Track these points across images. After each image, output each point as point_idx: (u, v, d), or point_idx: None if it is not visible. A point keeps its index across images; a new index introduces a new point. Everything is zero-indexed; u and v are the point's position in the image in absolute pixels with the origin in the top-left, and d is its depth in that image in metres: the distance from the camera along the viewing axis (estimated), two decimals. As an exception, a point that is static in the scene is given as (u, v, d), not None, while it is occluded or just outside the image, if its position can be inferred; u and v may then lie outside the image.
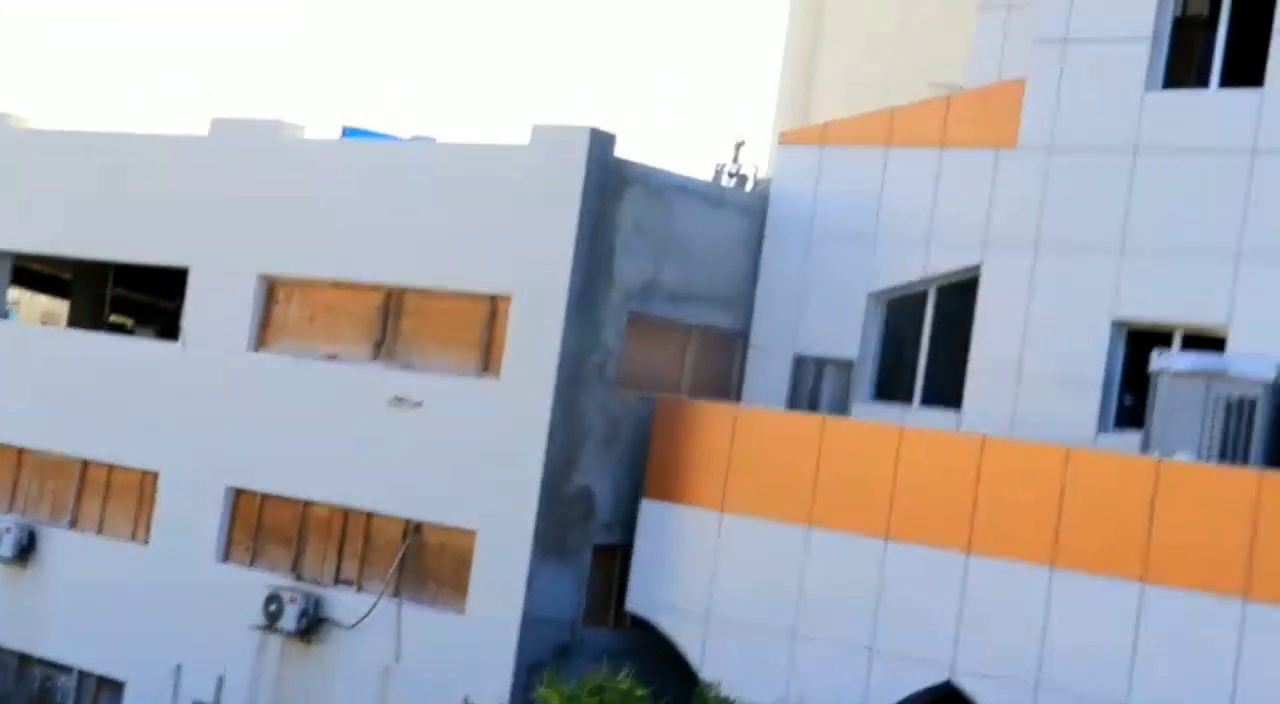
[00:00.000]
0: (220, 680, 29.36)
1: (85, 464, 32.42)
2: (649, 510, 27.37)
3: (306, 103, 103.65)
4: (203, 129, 32.25)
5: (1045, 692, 23.61)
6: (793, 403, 28.90)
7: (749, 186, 30.56)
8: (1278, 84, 25.53)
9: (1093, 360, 26.55)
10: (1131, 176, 26.26)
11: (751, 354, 29.48)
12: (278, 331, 30.25)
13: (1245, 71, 26.11)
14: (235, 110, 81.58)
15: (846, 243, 28.77)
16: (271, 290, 30.27)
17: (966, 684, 24.24)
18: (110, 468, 32.08)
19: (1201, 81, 26.81)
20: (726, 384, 29.39)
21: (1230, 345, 25.18)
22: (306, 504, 29.30)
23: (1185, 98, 26.74)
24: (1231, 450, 23.60)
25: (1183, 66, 26.88)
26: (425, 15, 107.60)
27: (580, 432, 26.81)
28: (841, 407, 28.74)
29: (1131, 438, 25.46)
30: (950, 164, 28.14)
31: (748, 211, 29.51)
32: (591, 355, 26.80)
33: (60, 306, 38.97)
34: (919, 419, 27.66)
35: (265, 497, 29.83)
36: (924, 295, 28.51)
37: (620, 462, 27.50)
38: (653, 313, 27.92)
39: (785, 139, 30.45)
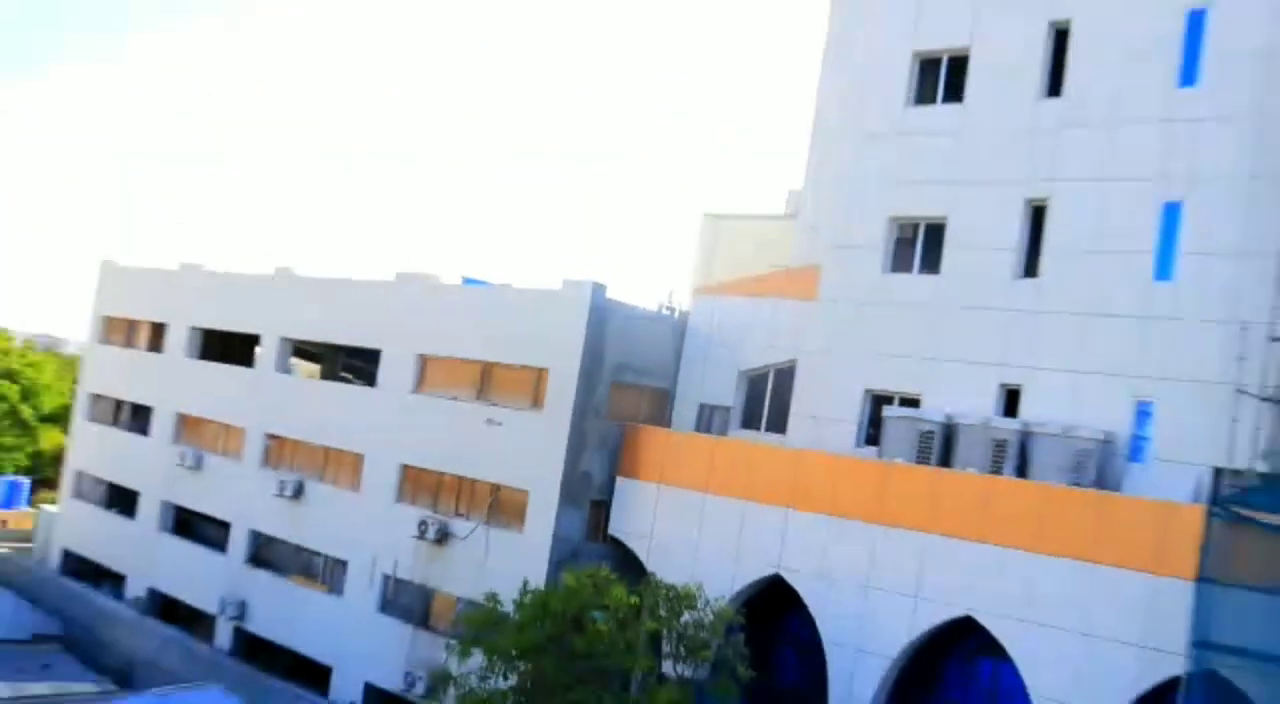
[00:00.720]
0: (396, 562, 30.49)
1: (327, 449, 33.73)
2: (621, 483, 28.40)
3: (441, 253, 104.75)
4: (390, 277, 33.36)
5: (829, 581, 24.70)
6: (698, 429, 29.49)
7: (676, 314, 31.23)
8: (950, 273, 26.17)
9: (854, 410, 26.98)
10: (875, 316, 26.75)
11: (676, 403, 30.10)
12: (428, 383, 31.35)
13: (932, 263, 26.60)
14: (405, 262, 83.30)
15: (726, 346, 29.44)
16: (424, 363, 31.50)
17: (786, 576, 25.19)
18: (341, 452, 33.22)
19: (907, 269, 26.89)
20: (662, 419, 29.93)
21: (923, 403, 25.71)
22: (440, 474, 30.41)
23: (899, 279, 26.79)
24: (922, 459, 24.56)
25: (900, 261, 27.14)
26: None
27: (584, 441, 27.90)
28: (723, 431, 29.21)
29: (872, 451, 26.11)
30: (784, 307, 28.55)
31: (676, 327, 30.34)
32: (591, 401, 27.93)
33: (316, 368, 40.38)
34: (764, 439, 28.21)
35: (420, 469, 30.93)
36: (768, 373, 28.92)
37: (606, 457, 28.37)
38: (625, 380, 28.86)
39: (697, 292, 31.11)
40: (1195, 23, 23.70)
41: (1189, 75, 23.67)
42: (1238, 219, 22.39)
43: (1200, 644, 19.21)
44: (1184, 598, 19.78)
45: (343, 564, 32.48)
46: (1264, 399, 21.09)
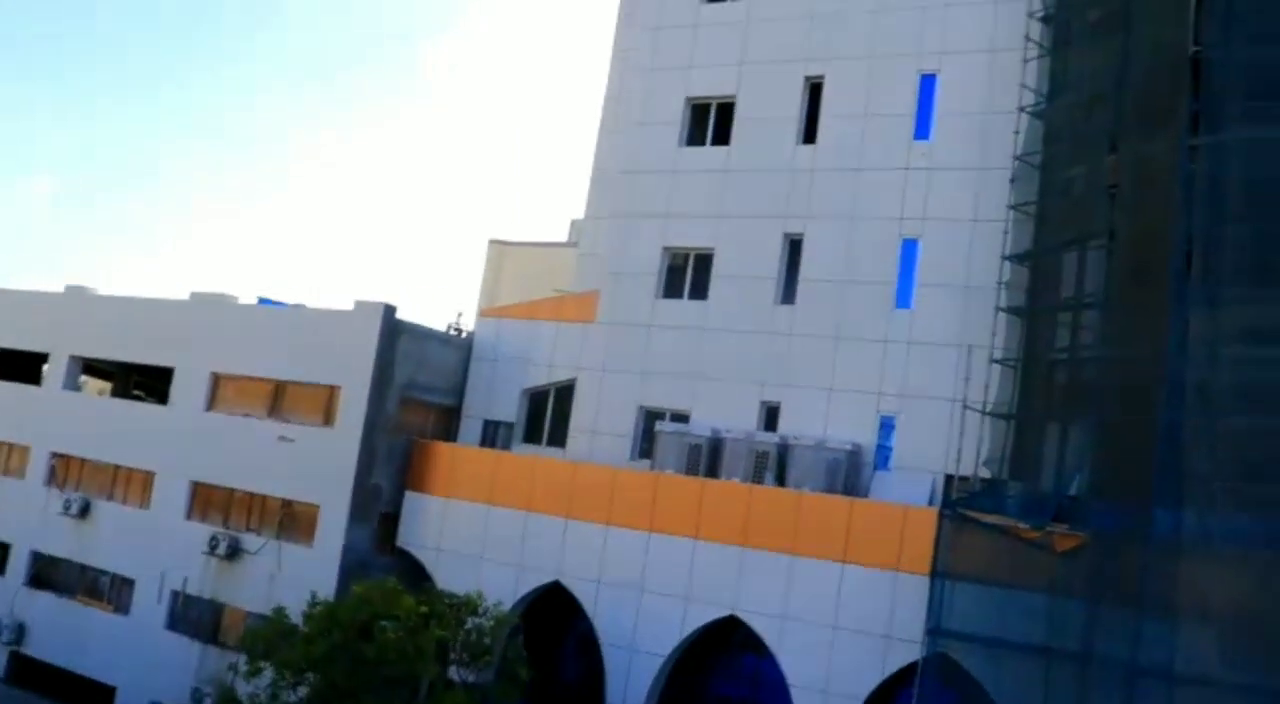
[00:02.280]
0: (185, 579, 29.33)
1: (116, 467, 32.15)
2: (409, 497, 28.04)
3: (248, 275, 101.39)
4: (186, 296, 32.35)
5: (605, 586, 25.01)
6: (483, 444, 29.46)
7: (464, 335, 31.25)
8: (717, 300, 27.04)
9: (629, 425, 27.44)
10: (649, 338, 27.45)
11: (463, 419, 29.99)
12: (221, 401, 30.41)
13: (700, 290, 27.35)
14: (203, 283, 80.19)
15: (511, 364, 29.57)
16: (217, 381, 30.51)
17: (566, 582, 25.33)
18: (131, 469, 31.77)
19: (678, 295, 27.64)
20: (449, 434, 29.77)
21: (692, 419, 26.31)
22: (232, 490, 29.47)
23: (671, 304, 27.52)
24: (691, 470, 25.07)
25: (672, 288, 27.81)
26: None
27: (374, 456, 27.53)
28: (507, 446, 29.33)
29: (645, 463, 26.43)
30: (565, 329, 28.93)
31: (463, 347, 30.27)
32: (381, 418, 27.63)
33: (107, 386, 38.49)
34: (545, 453, 28.32)
35: (211, 486, 29.88)
36: (548, 391, 29.20)
37: (395, 471, 28.04)
38: (414, 397, 28.67)
39: (482, 314, 31.21)
40: (928, 85, 25.54)
41: (923, 130, 25.42)
42: (964, 256, 24.03)
43: (934, 631, 20.36)
44: (921, 591, 20.97)
45: (130, 583, 30.92)
46: (986, 414, 22.58)
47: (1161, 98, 19.73)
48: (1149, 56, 20.43)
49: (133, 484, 31.80)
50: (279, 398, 29.29)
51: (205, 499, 30.15)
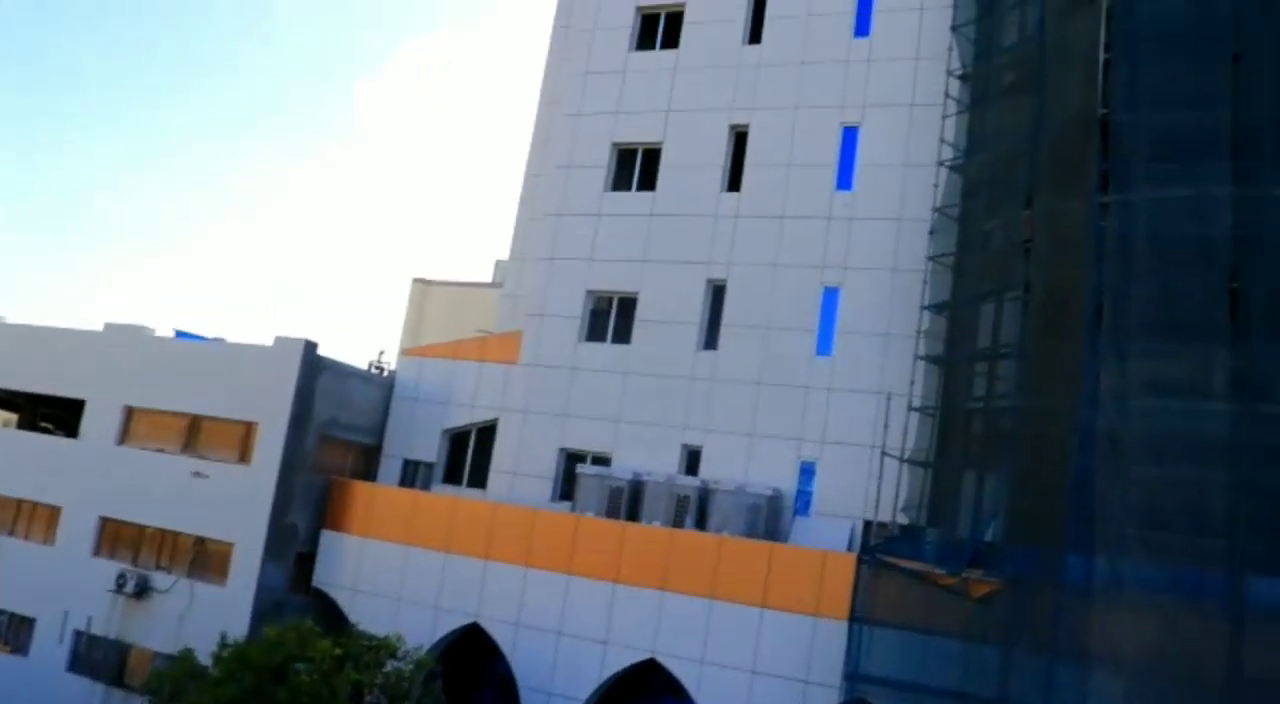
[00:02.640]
0: (90, 618, 28.38)
1: (20, 502, 30.99)
2: (326, 536, 27.48)
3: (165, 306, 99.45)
4: (99, 327, 31.51)
5: (524, 628, 24.66)
6: (403, 484, 29.02)
7: (386, 373, 30.96)
8: (639, 343, 27.01)
9: (550, 467, 27.28)
10: (570, 381, 27.36)
11: (383, 459, 29.55)
12: (133, 435, 29.49)
13: (623, 334, 27.43)
14: (119, 314, 78.16)
15: (432, 405, 29.23)
16: (130, 414, 29.61)
17: (484, 625, 24.92)
18: (36, 504, 30.64)
19: (602, 338, 27.60)
20: (369, 473, 29.35)
21: (613, 463, 26.34)
22: (143, 527, 28.56)
23: (594, 347, 27.46)
24: (612, 513, 24.89)
25: (595, 330, 27.76)
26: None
27: (291, 494, 26.95)
28: (426, 486, 28.92)
29: (566, 506, 26.20)
30: (487, 370, 28.72)
31: (384, 385, 29.90)
32: (300, 455, 27.08)
33: (13, 417, 37.26)
34: (466, 494, 28.01)
35: (121, 522, 28.95)
36: (470, 431, 28.95)
37: (312, 510, 27.48)
38: (334, 435, 28.18)
39: (405, 352, 30.79)
40: (850, 137, 26.03)
41: (845, 180, 25.87)
42: (885, 305, 24.40)
43: (852, 677, 20.47)
44: (839, 636, 21.03)
45: (29, 622, 29.66)
46: (904, 461, 22.83)
47: (1073, 157, 20.31)
48: (1060, 118, 21.04)
49: (37, 519, 30.67)
50: (194, 433, 28.56)
51: (114, 536, 29.18)
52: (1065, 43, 21.33)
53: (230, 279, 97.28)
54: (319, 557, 27.61)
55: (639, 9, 29.38)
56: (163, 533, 28.39)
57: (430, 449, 29.36)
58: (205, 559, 27.62)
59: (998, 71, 23.87)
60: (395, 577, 26.43)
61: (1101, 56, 19.54)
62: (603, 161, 28.65)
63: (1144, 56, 19.42)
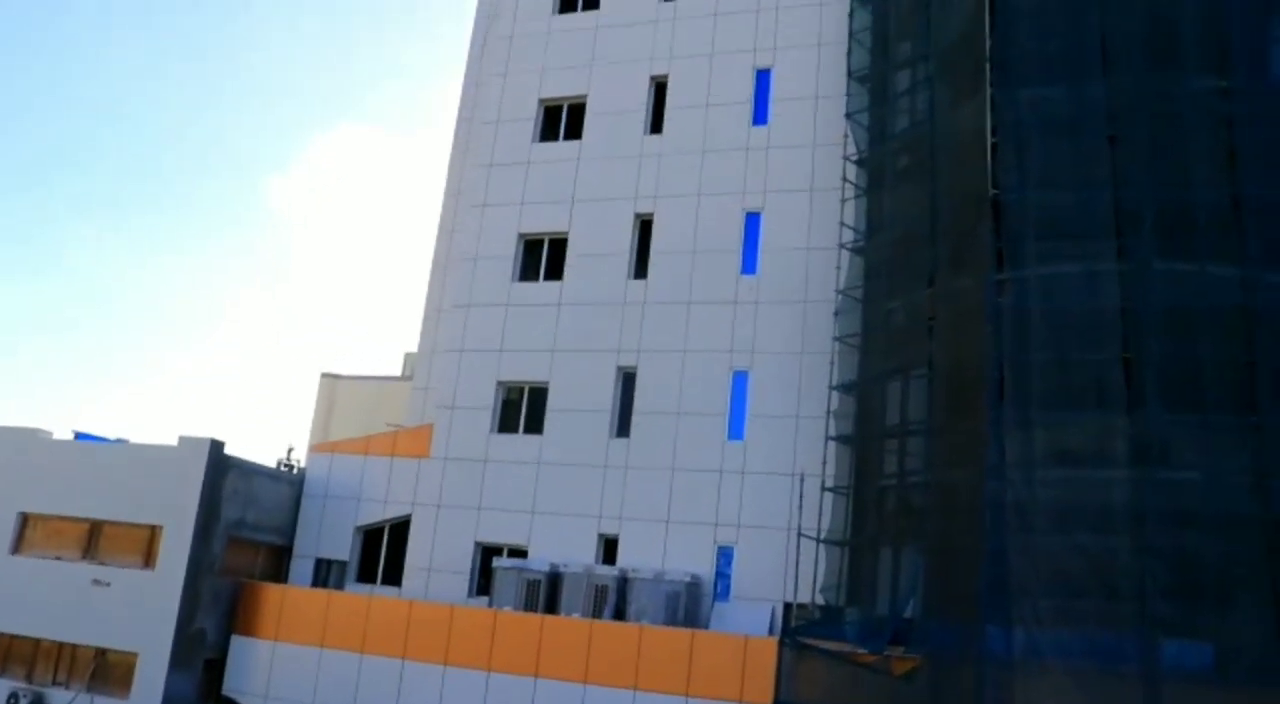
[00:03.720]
0: None
1: None
2: (236, 641, 26.63)
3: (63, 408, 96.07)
4: None
5: None
6: (315, 584, 28.32)
7: (294, 470, 30.27)
8: (552, 433, 27.06)
9: (465, 561, 26.82)
10: (483, 473, 27.13)
11: (294, 559, 28.83)
12: (28, 543, 28.13)
13: (535, 424, 27.39)
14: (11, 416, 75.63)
15: (343, 502, 28.67)
16: (25, 521, 28.29)
17: None
18: None
19: (514, 429, 27.58)
20: (280, 574, 28.61)
21: (530, 554, 26.01)
22: (38, 640, 27.23)
23: (506, 439, 27.33)
24: (530, 606, 24.51)
25: (507, 421, 27.67)
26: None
27: (198, 599, 26.08)
28: (340, 586, 28.27)
29: (483, 601, 25.75)
30: (399, 465, 28.30)
31: (294, 483, 29.26)
32: (207, 558, 26.27)
33: None
34: (381, 592, 27.34)
35: (14, 636, 27.51)
36: (383, 528, 28.40)
37: (221, 614, 26.68)
38: (242, 536, 27.46)
39: (314, 449, 30.23)
40: (753, 222, 26.61)
41: (750, 265, 26.34)
42: (792, 387, 24.69)
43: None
44: (764, 721, 20.65)
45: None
46: (821, 541, 22.86)
47: (968, 237, 20.92)
48: (954, 199, 21.69)
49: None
50: (95, 539, 27.44)
51: (6, 651, 27.72)
52: (954, 128, 22.00)
53: (132, 377, 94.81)
54: (229, 663, 26.63)
55: (542, 101, 29.75)
56: (60, 646, 27.04)
57: (343, 547, 28.67)
58: (107, 671, 26.42)
59: (892, 156, 24.56)
60: (309, 681, 25.59)
61: (989, 140, 20.22)
62: (509, 252, 28.73)
63: (1028, 141, 20.21)
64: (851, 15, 25.98)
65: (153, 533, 26.77)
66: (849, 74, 25.63)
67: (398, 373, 35.00)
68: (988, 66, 20.67)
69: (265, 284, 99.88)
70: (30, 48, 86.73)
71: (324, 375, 34.18)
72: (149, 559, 26.64)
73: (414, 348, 31.68)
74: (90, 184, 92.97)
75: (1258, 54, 20.73)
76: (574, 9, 30.44)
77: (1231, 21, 20.16)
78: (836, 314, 24.13)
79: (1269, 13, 21.07)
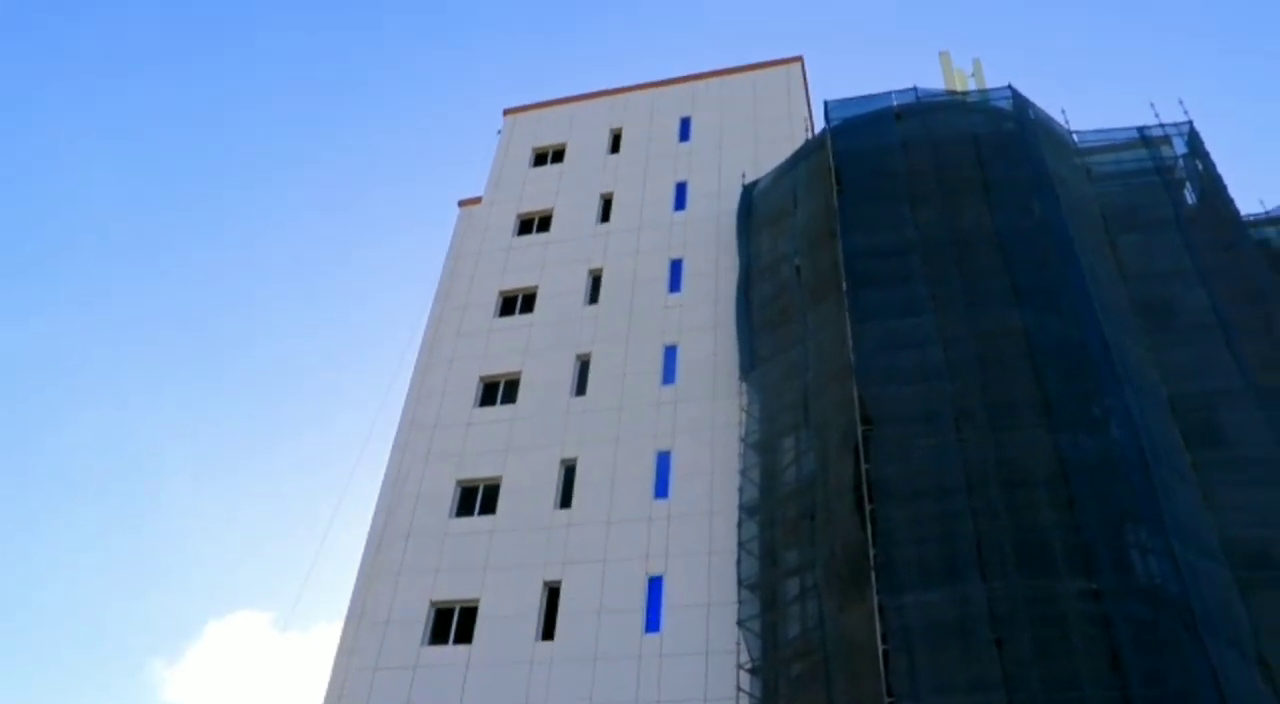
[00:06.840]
0: None
1: None
2: None
3: None
4: None
5: None
6: None
7: None
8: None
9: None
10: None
11: None
12: None
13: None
14: None
15: None
16: None
17: None
18: None
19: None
20: None
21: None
22: None
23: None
24: None
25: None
26: None
27: None
28: None
29: None
30: None
31: None
32: None
33: None
34: None
35: None
36: None
37: None
38: None
39: None
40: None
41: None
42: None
43: None
44: None
45: None
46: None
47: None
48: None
49: None
50: None
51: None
52: (844, 634, 22.42)
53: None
54: None
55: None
56: None
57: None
58: None
59: (785, 664, 24.37)
60: None
61: (880, 647, 20.71)
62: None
63: (917, 647, 20.86)
64: (740, 526, 27.50)
65: None
66: (739, 582, 26.54)
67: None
68: (872, 575, 21.43)
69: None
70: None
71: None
72: None
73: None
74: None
75: (1120, 559, 21.62)
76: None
77: (1091, 530, 21.38)
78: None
79: (1123, 522, 22.09)
